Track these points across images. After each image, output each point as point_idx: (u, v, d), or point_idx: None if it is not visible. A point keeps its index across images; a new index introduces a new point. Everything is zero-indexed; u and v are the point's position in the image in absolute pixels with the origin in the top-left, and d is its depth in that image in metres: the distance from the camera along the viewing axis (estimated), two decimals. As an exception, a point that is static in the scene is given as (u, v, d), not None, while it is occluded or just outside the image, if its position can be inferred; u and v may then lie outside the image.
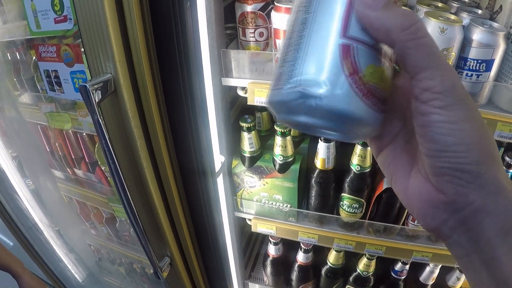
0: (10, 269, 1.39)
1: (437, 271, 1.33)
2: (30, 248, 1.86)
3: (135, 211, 0.85)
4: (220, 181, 1.06)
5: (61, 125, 1.29)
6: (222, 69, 0.96)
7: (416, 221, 1.16)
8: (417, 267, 1.37)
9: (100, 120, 0.74)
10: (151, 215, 0.96)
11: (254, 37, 1.01)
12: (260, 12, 0.99)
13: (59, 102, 1.32)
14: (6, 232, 1.85)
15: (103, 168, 1.36)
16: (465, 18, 0.90)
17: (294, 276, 1.46)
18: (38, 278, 1.47)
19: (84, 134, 1.36)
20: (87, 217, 1.77)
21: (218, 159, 1.01)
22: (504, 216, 0.30)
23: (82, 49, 0.84)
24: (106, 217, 1.69)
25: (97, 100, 0.73)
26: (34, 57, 1.39)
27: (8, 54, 1.46)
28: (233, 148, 1.12)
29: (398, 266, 1.32)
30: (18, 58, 1.46)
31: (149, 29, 0.76)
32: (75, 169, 1.52)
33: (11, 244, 2.16)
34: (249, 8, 0.97)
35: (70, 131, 1.39)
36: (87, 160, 1.42)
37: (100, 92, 0.74)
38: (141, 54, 0.75)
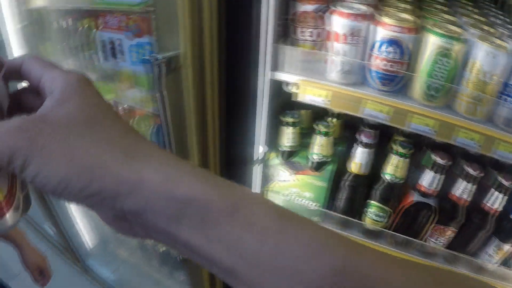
0: (11, 240, 1.40)
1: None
2: (46, 206, 1.90)
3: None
4: (256, 171, 1.08)
5: (103, 95, 1.32)
6: (274, 63, 0.98)
7: (436, 239, 1.17)
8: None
9: (162, 93, 0.77)
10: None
11: (307, 36, 1.02)
12: (316, 13, 1.00)
13: (101, 73, 1.34)
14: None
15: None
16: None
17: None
18: (38, 251, 1.49)
19: (121, 107, 1.39)
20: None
21: (260, 149, 1.03)
22: (161, 206, 0.29)
23: (151, 23, 0.86)
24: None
25: (162, 74, 0.75)
26: (85, 26, 1.42)
27: (59, 22, 1.49)
28: (269, 140, 1.13)
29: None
30: (68, 25, 1.49)
31: (223, 13, 0.78)
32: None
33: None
34: (305, 7, 0.98)
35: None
36: (122, 132, 1.44)
37: (165, 66, 0.76)
38: (210, 36, 0.77)
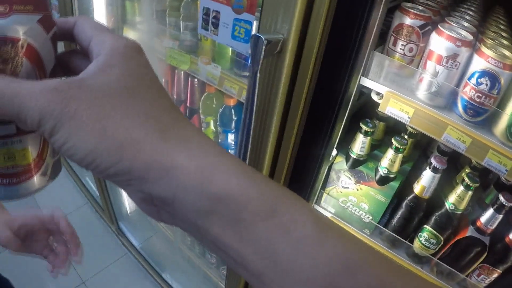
0: None
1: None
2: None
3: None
4: (321, 172, 1.08)
5: (179, 64, 1.32)
6: (365, 69, 0.98)
7: (480, 277, 1.15)
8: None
9: (257, 75, 0.76)
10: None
11: (403, 49, 1.02)
12: (418, 29, 0.99)
13: (182, 42, 1.34)
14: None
15: (201, 117, 1.41)
16: None
17: None
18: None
19: (196, 80, 1.41)
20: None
21: (334, 152, 1.04)
22: (191, 198, 0.27)
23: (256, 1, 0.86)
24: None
25: (262, 55, 0.75)
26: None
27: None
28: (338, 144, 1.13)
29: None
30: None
31: (332, 8, 0.78)
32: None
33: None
34: (408, 21, 0.98)
35: (183, 73, 1.44)
36: (187, 105, 1.47)
37: (266, 48, 0.76)
38: (317, 29, 0.77)
